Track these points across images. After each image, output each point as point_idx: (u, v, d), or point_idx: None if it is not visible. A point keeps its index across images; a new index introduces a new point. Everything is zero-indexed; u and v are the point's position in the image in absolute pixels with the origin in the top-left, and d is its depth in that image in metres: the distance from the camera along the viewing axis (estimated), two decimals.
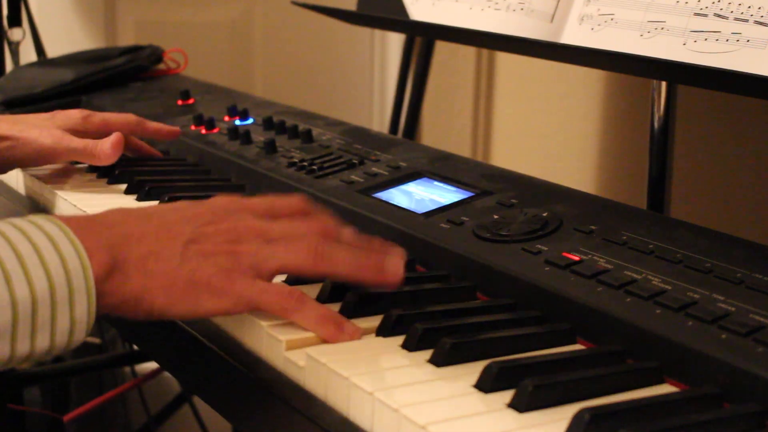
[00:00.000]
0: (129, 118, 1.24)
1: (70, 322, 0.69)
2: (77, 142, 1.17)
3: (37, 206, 1.18)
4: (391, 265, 0.78)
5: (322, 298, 0.81)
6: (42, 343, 0.69)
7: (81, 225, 0.73)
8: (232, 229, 0.78)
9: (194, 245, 0.76)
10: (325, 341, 0.74)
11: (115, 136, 1.17)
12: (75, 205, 1.07)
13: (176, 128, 1.28)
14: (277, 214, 0.81)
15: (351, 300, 0.78)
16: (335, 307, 0.79)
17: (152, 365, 1.85)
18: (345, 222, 0.83)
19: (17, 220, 0.71)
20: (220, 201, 0.81)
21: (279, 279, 0.82)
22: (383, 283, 0.78)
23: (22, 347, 0.68)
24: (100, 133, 1.20)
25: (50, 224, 0.71)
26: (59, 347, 0.70)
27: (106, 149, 1.16)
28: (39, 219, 0.72)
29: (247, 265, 0.75)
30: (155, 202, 1.08)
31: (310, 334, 0.74)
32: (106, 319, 0.84)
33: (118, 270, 0.72)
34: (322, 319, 0.74)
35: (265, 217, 0.80)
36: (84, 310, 0.70)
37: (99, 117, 1.22)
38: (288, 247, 0.77)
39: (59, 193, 1.12)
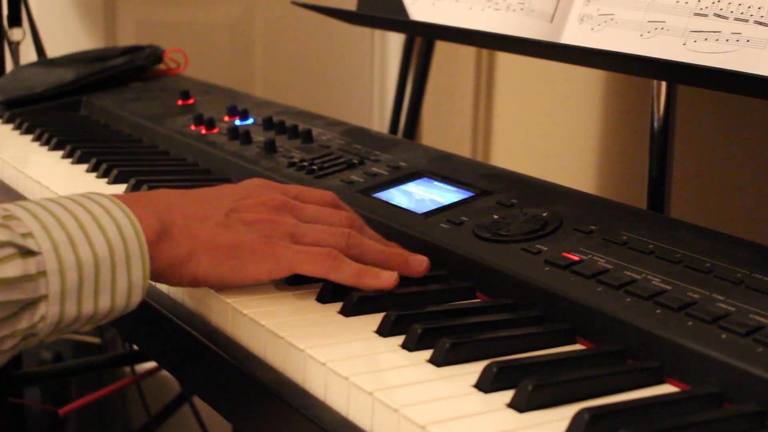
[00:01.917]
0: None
1: (128, 283, 0.73)
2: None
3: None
4: (414, 259, 0.84)
5: (323, 299, 0.81)
6: (104, 303, 0.72)
7: (127, 198, 0.77)
8: (269, 202, 0.84)
9: (235, 214, 0.81)
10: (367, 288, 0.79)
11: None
12: None
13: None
14: (306, 200, 0.87)
15: (351, 300, 0.79)
16: (335, 307, 0.79)
17: (152, 365, 1.85)
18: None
19: (74, 195, 0.75)
20: (255, 182, 0.88)
21: (277, 291, 0.82)
22: (408, 272, 0.83)
23: (87, 307, 0.71)
24: None
25: (102, 197, 0.75)
26: (119, 309, 0.74)
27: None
28: (91, 194, 0.76)
29: (285, 233, 0.81)
30: None
31: (310, 333, 0.74)
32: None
33: (166, 234, 0.77)
34: (359, 272, 0.80)
35: (296, 200, 0.86)
36: (140, 273, 0.74)
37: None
38: (323, 229, 0.83)
39: (55, 190, 1.12)
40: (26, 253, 0.68)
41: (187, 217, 0.79)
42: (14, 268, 0.67)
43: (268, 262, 0.79)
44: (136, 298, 0.74)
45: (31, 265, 0.68)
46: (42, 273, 0.69)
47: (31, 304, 0.69)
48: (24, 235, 0.69)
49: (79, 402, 1.56)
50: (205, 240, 0.79)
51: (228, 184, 0.88)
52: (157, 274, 0.77)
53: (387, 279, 0.80)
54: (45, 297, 0.69)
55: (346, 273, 0.80)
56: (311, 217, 0.85)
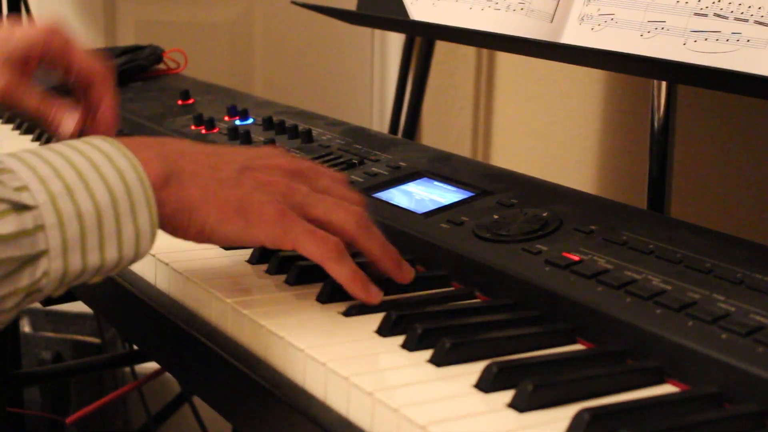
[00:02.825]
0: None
1: (135, 232, 0.71)
2: (32, 102, 1.02)
3: None
4: (406, 266, 0.82)
5: (323, 299, 0.81)
6: (111, 254, 0.70)
7: (133, 142, 0.75)
8: (284, 166, 0.81)
9: (249, 172, 0.78)
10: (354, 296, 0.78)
11: (78, 123, 1.02)
12: None
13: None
14: (319, 173, 0.84)
15: (352, 300, 0.78)
16: (335, 307, 0.79)
17: (152, 365, 1.85)
18: None
19: (72, 141, 0.73)
20: (268, 148, 0.86)
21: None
22: (397, 277, 0.81)
23: (93, 259, 0.69)
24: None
25: (103, 142, 0.73)
26: (127, 258, 0.72)
27: (66, 133, 1.01)
28: (93, 138, 0.73)
29: (297, 202, 0.78)
30: None
31: (310, 333, 0.74)
32: (106, 319, 0.84)
33: (174, 178, 0.74)
34: (355, 275, 0.77)
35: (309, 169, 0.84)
36: (146, 220, 0.71)
37: (59, 43, 1.03)
38: (338, 203, 0.80)
39: None
40: (21, 207, 0.66)
41: (198, 165, 0.76)
42: (9, 225, 0.65)
43: (276, 230, 0.76)
44: (146, 247, 0.72)
45: (27, 220, 0.66)
46: (40, 227, 0.66)
47: (31, 260, 0.66)
48: (18, 189, 0.66)
49: (86, 409, 1.56)
50: (215, 192, 0.76)
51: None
52: (164, 222, 0.74)
53: (374, 295, 0.78)
54: (45, 252, 0.67)
55: (344, 270, 0.78)
56: (324, 188, 0.82)
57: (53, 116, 1.02)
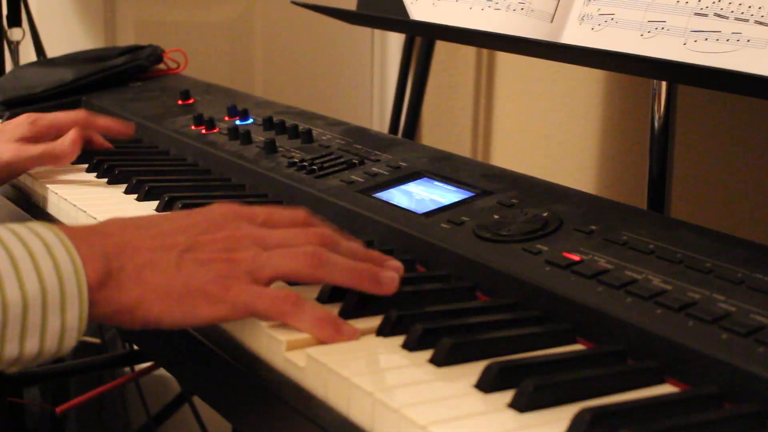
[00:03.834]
0: (78, 115, 1.25)
1: (61, 327, 0.69)
2: (35, 149, 1.19)
3: (31, 204, 1.18)
4: (386, 277, 0.78)
5: (322, 299, 0.81)
6: (31, 347, 0.69)
7: (77, 234, 0.73)
8: (228, 237, 0.78)
9: (190, 254, 0.75)
10: (322, 343, 0.73)
11: (73, 133, 1.20)
12: (75, 205, 1.07)
13: (130, 124, 1.31)
14: (276, 224, 0.81)
15: (351, 300, 0.78)
16: (335, 307, 0.79)
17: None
18: (344, 227, 0.83)
19: (14, 225, 0.71)
20: (218, 209, 0.81)
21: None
22: (378, 292, 0.78)
23: (11, 350, 0.68)
24: (52, 135, 1.22)
25: (46, 231, 0.71)
26: (49, 352, 0.70)
27: (66, 147, 1.19)
28: (36, 225, 0.72)
29: (243, 272, 0.75)
30: (155, 203, 1.08)
31: (309, 335, 0.74)
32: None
33: (113, 279, 0.72)
34: (319, 321, 0.74)
35: (263, 226, 0.80)
36: (75, 316, 0.70)
37: (47, 119, 1.23)
38: (285, 254, 0.77)
39: (59, 193, 1.12)
40: None
41: (138, 261, 0.74)
42: None
43: (223, 307, 0.74)
44: (69, 342, 0.70)
45: None
46: None
47: None
48: None
49: (78, 400, 1.56)
50: (156, 286, 0.73)
51: (190, 211, 0.81)
52: (106, 318, 0.73)
53: (347, 335, 0.74)
54: None
55: (305, 320, 0.73)
56: (277, 242, 0.78)
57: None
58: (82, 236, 0.73)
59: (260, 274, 0.76)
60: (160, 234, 0.77)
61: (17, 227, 0.71)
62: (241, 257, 0.76)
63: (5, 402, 1.75)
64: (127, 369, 2.03)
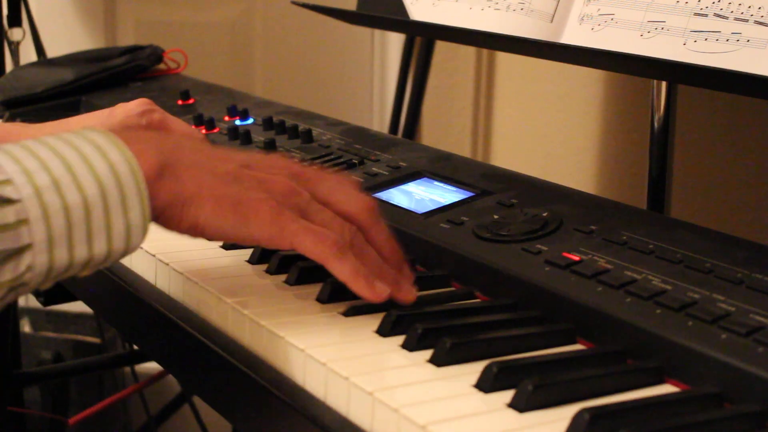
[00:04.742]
0: (193, 131, 1.16)
1: (126, 226, 0.70)
2: None
3: None
4: (407, 288, 0.79)
5: (323, 299, 0.81)
6: (100, 248, 0.69)
7: (128, 134, 0.73)
8: (285, 167, 0.79)
9: (249, 169, 0.77)
10: (357, 294, 0.76)
11: None
12: None
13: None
14: (323, 178, 0.82)
15: (352, 300, 0.78)
16: (335, 307, 0.79)
17: (153, 365, 1.85)
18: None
19: (64, 134, 0.71)
20: (273, 154, 0.84)
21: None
22: (396, 296, 0.78)
23: (80, 253, 0.68)
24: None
25: (96, 134, 0.71)
26: (117, 252, 0.70)
27: None
28: (85, 130, 0.72)
29: (295, 204, 0.76)
30: None
31: (310, 333, 0.74)
32: (106, 319, 0.84)
33: (169, 170, 0.73)
34: (357, 273, 0.75)
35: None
36: (138, 214, 0.70)
37: (158, 118, 1.12)
38: (333, 216, 0.78)
39: None
40: (4, 201, 0.65)
41: (196, 158, 0.75)
42: None
43: (272, 229, 0.75)
44: (137, 240, 0.71)
45: (8, 214, 0.65)
46: (23, 221, 0.65)
47: (14, 254, 0.65)
48: (1, 183, 0.66)
49: (92, 409, 1.56)
50: (211, 186, 0.74)
51: None
52: (156, 214, 0.73)
53: (378, 292, 0.76)
54: (30, 246, 0.66)
55: (345, 267, 0.75)
56: (326, 193, 0.79)
57: None
58: (133, 135, 0.73)
59: (309, 217, 0.77)
60: (217, 148, 0.79)
61: (65, 134, 0.71)
62: (297, 191, 0.77)
63: (6, 406, 1.75)
64: (128, 369, 2.03)
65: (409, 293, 0.79)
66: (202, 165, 0.75)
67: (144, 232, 0.71)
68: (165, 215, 0.74)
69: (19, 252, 0.66)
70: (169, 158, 0.73)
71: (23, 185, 0.66)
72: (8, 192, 0.66)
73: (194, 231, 0.75)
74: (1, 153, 0.68)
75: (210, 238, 0.77)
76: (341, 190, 0.81)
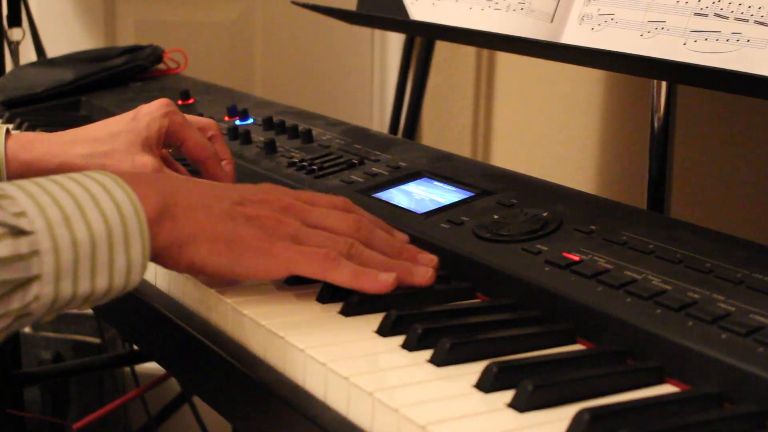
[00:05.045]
0: (206, 145, 1.09)
1: (127, 263, 0.72)
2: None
3: None
4: (419, 270, 0.82)
5: (323, 299, 0.81)
6: (101, 283, 0.71)
7: (132, 176, 0.76)
8: (275, 201, 0.83)
9: (240, 207, 0.81)
10: (365, 292, 0.78)
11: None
12: None
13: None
14: (318, 204, 0.86)
15: (351, 300, 0.79)
16: (335, 307, 0.79)
17: (153, 366, 1.85)
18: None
19: (72, 174, 0.74)
20: (267, 184, 0.88)
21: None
22: (412, 284, 0.81)
23: (83, 287, 0.70)
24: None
25: (102, 176, 0.74)
26: (117, 288, 0.73)
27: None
28: (91, 172, 0.75)
29: (287, 234, 0.80)
30: None
31: (310, 333, 0.74)
32: (106, 319, 0.84)
33: (168, 213, 0.76)
34: (356, 274, 0.79)
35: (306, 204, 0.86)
36: (139, 252, 0.73)
37: (179, 119, 1.08)
38: (326, 235, 0.82)
39: None
40: (18, 232, 0.67)
41: (192, 200, 0.78)
42: (4, 248, 0.66)
43: (266, 260, 0.78)
44: (136, 278, 0.73)
45: (22, 245, 0.67)
46: (35, 252, 0.68)
47: (24, 284, 0.67)
48: (17, 215, 0.68)
49: (98, 413, 1.56)
50: (207, 228, 0.78)
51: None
52: (155, 254, 0.76)
53: (384, 282, 0.79)
54: (38, 277, 0.68)
55: (344, 274, 0.79)
56: (317, 220, 0.84)
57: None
58: (136, 178, 0.77)
59: (301, 242, 0.80)
60: (212, 187, 0.83)
61: (74, 175, 0.74)
62: (288, 221, 0.81)
63: (6, 404, 1.75)
64: (128, 369, 2.03)
65: (422, 277, 0.82)
66: (197, 206, 0.79)
67: (143, 270, 0.74)
68: (164, 255, 0.77)
69: (28, 282, 0.68)
70: (168, 201, 0.77)
71: (36, 218, 0.68)
72: (23, 224, 0.68)
73: (192, 270, 0.79)
74: (15, 187, 0.70)
75: (208, 276, 0.81)
76: (330, 217, 0.84)
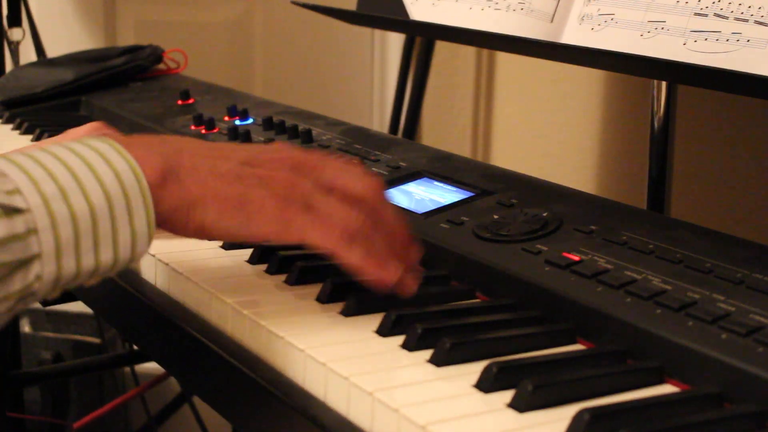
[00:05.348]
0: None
1: (131, 233, 0.69)
2: None
3: None
4: (409, 278, 0.78)
5: (322, 299, 0.81)
6: (106, 256, 0.69)
7: (132, 141, 0.73)
8: (286, 160, 0.78)
9: (250, 167, 0.76)
10: (370, 279, 0.76)
11: None
12: None
13: None
14: (326, 165, 0.80)
15: (352, 300, 0.78)
16: (335, 307, 0.79)
17: (153, 366, 1.85)
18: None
19: (67, 142, 0.71)
20: (276, 143, 0.83)
21: None
22: (398, 287, 0.78)
23: (87, 261, 0.68)
24: None
25: (99, 142, 0.71)
26: (123, 260, 0.70)
27: None
28: (88, 138, 0.72)
29: (299, 196, 0.76)
30: None
31: (310, 333, 0.74)
32: (106, 319, 0.84)
33: (172, 175, 0.73)
34: (367, 258, 0.75)
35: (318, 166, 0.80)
36: (143, 221, 0.70)
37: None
38: (339, 205, 0.76)
39: None
40: (12, 211, 0.64)
41: (197, 161, 0.75)
42: None
43: (278, 226, 0.75)
44: (142, 248, 0.71)
45: (18, 224, 0.65)
46: (32, 231, 0.65)
47: (23, 264, 0.65)
48: (9, 192, 0.65)
49: (98, 412, 1.56)
50: (215, 189, 0.74)
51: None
52: (162, 220, 0.73)
53: (392, 271, 0.76)
54: (38, 255, 0.65)
55: (354, 254, 0.75)
56: (330, 179, 0.78)
57: None
58: (136, 142, 0.73)
59: (315, 210, 0.76)
60: (219, 146, 0.78)
61: (69, 143, 0.71)
62: (301, 183, 0.76)
63: (5, 408, 1.75)
64: (128, 369, 2.03)
65: (408, 287, 0.78)
66: (204, 167, 0.75)
67: (149, 239, 0.71)
68: (170, 220, 0.74)
69: (28, 262, 0.66)
70: (171, 163, 0.73)
71: (31, 194, 0.66)
72: (17, 202, 0.65)
73: (201, 233, 0.75)
74: (6, 162, 0.67)
75: (217, 239, 0.77)
76: (346, 172, 0.79)
